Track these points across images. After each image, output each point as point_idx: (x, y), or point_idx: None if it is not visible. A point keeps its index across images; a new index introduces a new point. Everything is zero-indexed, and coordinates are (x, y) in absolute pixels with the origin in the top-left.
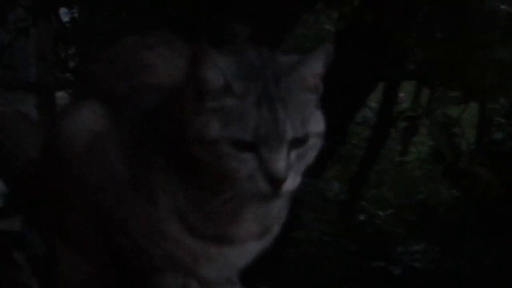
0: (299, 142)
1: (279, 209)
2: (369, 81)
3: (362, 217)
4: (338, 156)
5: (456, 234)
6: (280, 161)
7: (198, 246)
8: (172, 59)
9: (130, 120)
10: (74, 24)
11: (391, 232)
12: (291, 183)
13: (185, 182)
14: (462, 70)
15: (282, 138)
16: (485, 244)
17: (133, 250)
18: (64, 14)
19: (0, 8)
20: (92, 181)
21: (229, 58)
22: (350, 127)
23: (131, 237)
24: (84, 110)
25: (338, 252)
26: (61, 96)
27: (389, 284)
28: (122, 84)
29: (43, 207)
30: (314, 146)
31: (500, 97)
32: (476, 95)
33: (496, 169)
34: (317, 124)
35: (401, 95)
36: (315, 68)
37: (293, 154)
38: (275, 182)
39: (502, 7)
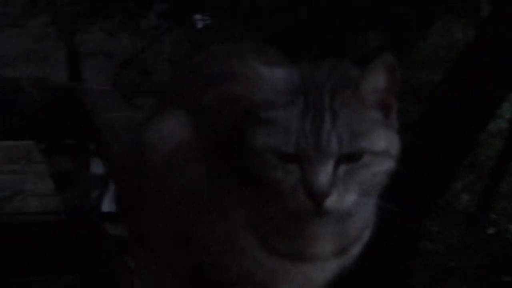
0: (349, 158)
1: (358, 229)
2: (500, 91)
3: (491, 230)
4: (469, 167)
5: None
6: (322, 175)
7: (274, 263)
8: None
9: (213, 131)
10: (208, 30)
11: None
12: (337, 200)
13: (255, 197)
14: None
15: (324, 151)
16: None
17: (211, 265)
18: (198, 21)
19: (134, 15)
20: (171, 191)
21: (282, 70)
22: (482, 138)
23: (208, 252)
24: (169, 119)
25: (465, 265)
26: None
27: None
28: (208, 94)
29: (126, 212)
30: (372, 165)
31: None
32: None
33: None
34: (378, 142)
35: None
36: (375, 82)
37: (342, 169)
38: (316, 196)
39: None
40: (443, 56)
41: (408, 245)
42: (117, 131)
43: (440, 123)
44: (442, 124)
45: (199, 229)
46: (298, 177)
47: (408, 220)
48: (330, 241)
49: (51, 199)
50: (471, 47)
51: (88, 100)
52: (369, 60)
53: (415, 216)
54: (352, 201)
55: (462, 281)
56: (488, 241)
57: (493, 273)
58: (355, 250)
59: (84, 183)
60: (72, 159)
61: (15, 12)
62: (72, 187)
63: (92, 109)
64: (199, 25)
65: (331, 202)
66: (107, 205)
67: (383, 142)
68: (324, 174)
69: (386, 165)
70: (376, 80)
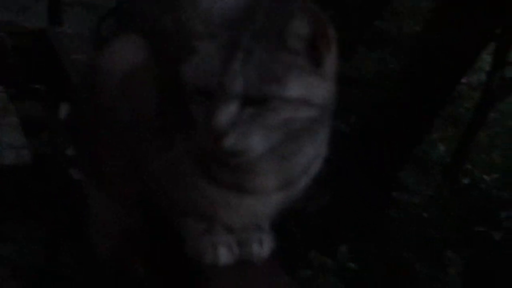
0: (256, 101)
1: (304, 164)
2: (478, 41)
3: (466, 181)
4: (446, 118)
5: None
6: (220, 114)
7: (216, 194)
8: None
9: (168, 56)
10: None
11: (496, 197)
12: (235, 142)
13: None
14: None
15: (228, 90)
16: None
17: (158, 193)
18: None
19: None
20: (124, 116)
21: (214, 2)
22: (460, 89)
23: (155, 179)
24: (123, 42)
25: (440, 215)
26: None
27: (489, 249)
28: (165, 18)
29: (79, 143)
30: (282, 111)
31: None
32: None
33: None
34: (293, 88)
35: None
36: (299, 29)
37: (247, 112)
38: (213, 135)
39: None
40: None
41: (383, 196)
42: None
43: (418, 73)
44: (420, 74)
45: (146, 154)
46: (205, 113)
47: (384, 169)
48: (271, 176)
49: (28, 152)
50: None
51: (58, 43)
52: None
53: (391, 166)
54: (256, 146)
55: (437, 232)
56: (463, 192)
57: (467, 223)
58: (301, 182)
59: (53, 129)
60: (42, 105)
61: None
62: (42, 132)
63: (61, 51)
64: None
65: (228, 143)
66: (71, 150)
67: (301, 89)
68: (222, 113)
69: (302, 113)
70: (300, 27)
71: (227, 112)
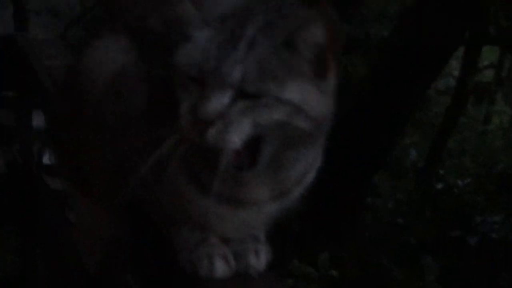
0: (251, 95)
1: (296, 176)
2: (448, 45)
3: (439, 186)
4: (417, 123)
5: None
6: (210, 101)
7: (206, 204)
8: None
9: (157, 55)
10: None
11: (470, 202)
12: (218, 134)
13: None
14: None
15: (224, 78)
16: None
17: (148, 201)
18: None
19: None
20: (111, 118)
21: None
22: (430, 95)
23: (145, 185)
24: (109, 43)
25: (413, 220)
26: None
27: (465, 254)
28: (152, 16)
29: (61, 150)
30: (274, 110)
31: None
32: None
33: None
34: (291, 93)
35: None
36: (313, 36)
37: (239, 105)
38: (198, 123)
39: None
40: (392, 11)
41: (357, 201)
42: (58, 78)
43: (387, 78)
44: (390, 79)
45: (135, 158)
46: (193, 101)
47: (357, 176)
48: (264, 188)
49: (1, 161)
50: (419, 2)
51: (29, 49)
52: None
53: (364, 172)
54: (233, 141)
55: (411, 237)
56: (436, 197)
57: (440, 228)
58: (295, 193)
59: (26, 137)
60: (13, 113)
61: None
62: (14, 141)
63: (33, 57)
64: None
65: (212, 134)
66: (47, 158)
67: (299, 96)
68: (212, 102)
69: (296, 122)
70: (316, 34)
71: (218, 101)
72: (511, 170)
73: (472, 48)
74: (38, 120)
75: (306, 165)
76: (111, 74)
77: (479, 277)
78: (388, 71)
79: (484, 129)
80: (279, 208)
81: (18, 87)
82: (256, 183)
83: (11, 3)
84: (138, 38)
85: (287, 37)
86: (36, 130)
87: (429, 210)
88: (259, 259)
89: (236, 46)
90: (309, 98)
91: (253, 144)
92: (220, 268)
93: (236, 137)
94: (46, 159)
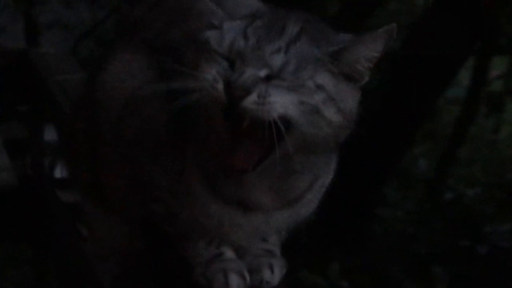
0: (283, 77)
1: (306, 182)
2: (459, 55)
3: (449, 196)
4: (427, 133)
5: None
6: (249, 71)
7: (222, 211)
8: None
9: (177, 70)
10: None
11: (479, 211)
12: (257, 101)
13: (206, 139)
14: None
15: (263, 58)
16: None
17: (163, 214)
18: None
19: None
20: (130, 134)
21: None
22: (440, 105)
23: (161, 197)
24: (126, 60)
25: (423, 230)
26: None
27: (475, 263)
28: (172, 31)
29: (76, 163)
30: (312, 93)
31: None
32: None
33: None
34: (325, 79)
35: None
36: (366, 51)
37: (278, 83)
38: (235, 89)
39: None
40: (402, 22)
41: (366, 211)
42: (71, 93)
43: (397, 89)
44: (400, 90)
45: (153, 171)
46: (222, 70)
47: (367, 186)
48: (271, 195)
49: (13, 174)
50: (429, 13)
51: (41, 63)
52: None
53: (373, 182)
54: (274, 112)
55: (421, 247)
56: (445, 207)
57: (451, 238)
58: (307, 198)
59: (38, 150)
60: (26, 126)
61: None
62: (26, 154)
63: (45, 72)
64: None
65: (249, 102)
66: (59, 172)
67: (331, 85)
68: (251, 71)
69: (328, 111)
70: (369, 48)
71: (255, 72)
72: None
73: (482, 58)
74: (49, 134)
75: (316, 171)
76: (130, 91)
77: (489, 286)
78: (399, 81)
79: (494, 139)
80: (292, 215)
81: (30, 101)
82: (262, 190)
83: (23, 17)
84: (157, 54)
85: (331, 52)
86: (48, 144)
87: (438, 220)
88: (274, 273)
89: (280, 37)
90: (341, 91)
91: (264, 146)
92: (235, 283)
93: (278, 107)
94: (57, 173)
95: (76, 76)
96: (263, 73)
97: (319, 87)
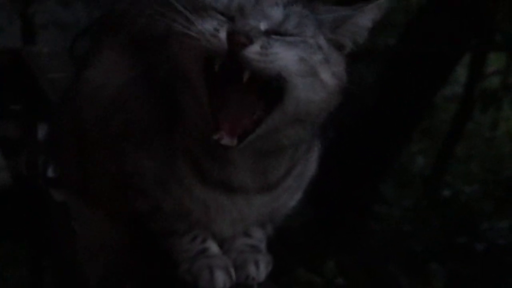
0: (285, 31)
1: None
2: (455, 52)
3: (446, 193)
4: (424, 130)
5: None
6: (250, 22)
7: (207, 195)
8: None
9: (163, 61)
10: None
11: (477, 208)
12: (259, 52)
13: (190, 120)
14: None
15: (263, 11)
16: None
17: (147, 210)
18: None
19: None
20: (116, 129)
21: None
22: (437, 102)
23: (146, 189)
24: (111, 58)
25: (420, 227)
26: None
27: (472, 260)
28: (157, 24)
29: (63, 161)
30: (311, 49)
31: None
32: None
33: None
34: (323, 41)
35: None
36: (364, 22)
37: (281, 39)
38: (236, 37)
39: None
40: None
41: (363, 208)
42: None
43: (394, 86)
44: (397, 87)
45: (140, 159)
46: (223, 22)
47: (364, 183)
48: (252, 176)
49: (7, 173)
50: (425, 10)
51: (34, 62)
52: None
53: (370, 179)
54: (277, 65)
55: (418, 244)
56: (443, 204)
57: (448, 235)
58: (285, 184)
59: (32, 149)
60: (20, 125)
61: None
62: (20, 153)
63: (38, 71)
64: None
65: (251, 51)
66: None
67: (326, 48)
68: (253, 23)
69: (323, 74)
70: (366, 19)
71: (256, 24)
72: None
73: (479, 54)
74: (43, 133)
75: (294, 157)
76: (115, 89)
77: (486, 283)
78: (395, 79)
79: (491, 136)
80: (272, 201)
81: (24, 100)
82: (245, 169)
83: (19, 17)
84: (142, 50)
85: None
86: (42, 143)
87: (436, 217)
88: (259, 269)
89: None
90: (334, 56)
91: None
92: (221, 279)
93: (280, 60)
94: (50, 172)
95: (69, 75)
96: (263, 25)
97: (319, 48)
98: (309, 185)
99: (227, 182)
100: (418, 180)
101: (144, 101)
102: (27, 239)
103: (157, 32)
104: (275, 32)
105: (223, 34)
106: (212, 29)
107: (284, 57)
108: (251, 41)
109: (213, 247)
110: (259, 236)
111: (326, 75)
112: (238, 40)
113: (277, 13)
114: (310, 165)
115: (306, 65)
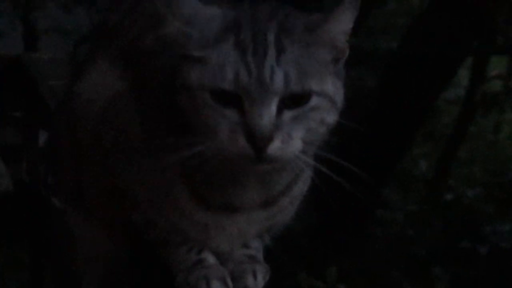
0: (296, 99)
1: (285, 183)
2: (457, 55)
3: (449, 196)
4: (426, 133)
5: None
6: (265, 116)
7: (205, 217)
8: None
9: (151, 76)
10: None
11: (480, 211)
12: (280, 146)
13: (189, 145)
14: None
15: (268, 88)
16: None
17: (143, 222)
18: None
19: None
20: (107, 141)
21: (215, 8)
22: (439, 105)
23: (138, 206)
24: (103, 69)
25: (423, 231)
26: None
27: (475, 264)
28: (146, 38)
29: (58, 173)
30: (321, 109)
31: None
32: None
33: None
34: (328, 85)
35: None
36: (340, 24)
37: (288, 113)
38: (257, 141)
39: None
40: (399, 23)
41: (366, 214)
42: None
43: (396, 90)
44: (398, 90)
45: (132, 181)
46: (237, 119)
47: (366, 187)
48: (256, 191)
49: (8, 180)
50: (427, 13)
51: (35, 68)
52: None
53: (372, 184)
54: (297, 149)
55: (420, 248)
56: (445, 207)
57: (451, 239)
58: (283, 202)
59: (33, 156)
60: (20, 132)
61: None
62: (21, 160)
63: (38, 77)
64: None
65: (274, 148)
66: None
67: (332, 88)
68: (267, 115)
69: (332, 114)
70: (342, 22)
71: (270, 114)
72: None
73: (481, 58)
74: (44, 139)
75: (293, 176)
76: (106, 100)
77: (489, 287)
78: (397, 82)
79: (494, 139)
80: (269, 218)
81: (24, 107)
82: (250, 185)
83: (21, 22)
84: (132, 62)
85: (310, 33)
86: (43, 150)
87: (438, 220)
88: (257, 280)
89: (266, 52)
90: (336, 88)
91: None
92: None
93: (295, 147)
94: (51, 178)
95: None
96: (274, 105)
97: (326, 94)
98: (311, 190)
99: (229, 203)
100: (420, 183)
101: (132, 117)
102: (28, 244)
103: (146, 45)
104: (284, 100)
105: (242, 139)
106: (228, 131)
107: (300, 137)
108: (271, 140)
109: (210, 258)
110: (256, 246)
111: (331, 117)
112: (260, 145)
113: (277, 78)
114: (304, 184)
115: (320, 123)
